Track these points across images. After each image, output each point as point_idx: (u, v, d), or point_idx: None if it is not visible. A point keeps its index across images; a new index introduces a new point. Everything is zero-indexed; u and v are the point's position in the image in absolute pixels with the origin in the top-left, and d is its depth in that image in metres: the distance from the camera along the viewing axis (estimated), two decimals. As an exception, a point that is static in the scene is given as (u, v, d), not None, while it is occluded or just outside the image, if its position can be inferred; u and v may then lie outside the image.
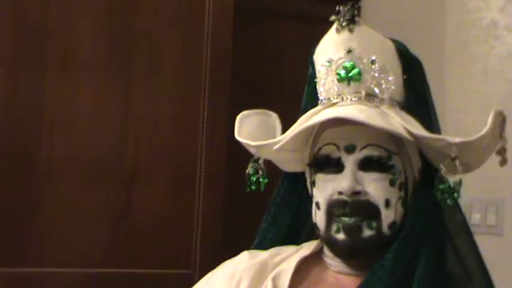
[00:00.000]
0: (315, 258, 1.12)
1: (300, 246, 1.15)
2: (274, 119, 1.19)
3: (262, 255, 1.14)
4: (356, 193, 1.02)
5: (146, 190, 2.02)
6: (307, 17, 2.29)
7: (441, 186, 1.01)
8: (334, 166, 1.05)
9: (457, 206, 1.09)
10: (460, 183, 1.00)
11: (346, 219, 1.03)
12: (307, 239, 1.16)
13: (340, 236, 1.03)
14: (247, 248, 1.18)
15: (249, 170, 1.15)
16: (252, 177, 1.14)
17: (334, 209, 1.04)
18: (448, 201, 1.01)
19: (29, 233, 1.91)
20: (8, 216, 1.90)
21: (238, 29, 2.12)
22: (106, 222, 1.98)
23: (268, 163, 1.16)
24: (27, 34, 1.95)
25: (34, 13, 1.95)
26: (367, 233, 1.02)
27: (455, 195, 1.00)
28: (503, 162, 1.02)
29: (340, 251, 1.05)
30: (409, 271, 1.01)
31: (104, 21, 2.01)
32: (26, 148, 1.92)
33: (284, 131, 1.12)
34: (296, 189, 1.17)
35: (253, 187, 1.14)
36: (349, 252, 1.05)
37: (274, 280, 1.08)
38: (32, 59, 1.94)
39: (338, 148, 1.04)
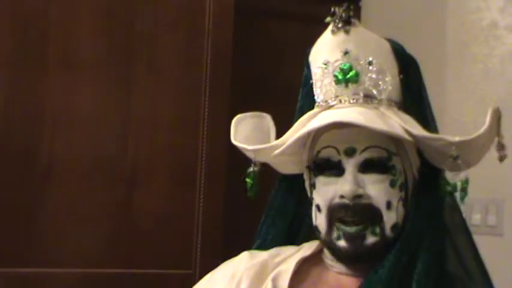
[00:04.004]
0: (315, 258, 1.12)
1: (300, 247, 1.15)
2: (268, 121, 1.18)
3: (262, 255, 1.13)
4: (357, 196, 1.01)
5: (146, 190, 2.02)
6: (307, 17, 2.28)
7: (449, 188, 1.01)
8: (335, 169, 1.04)
9: (456, 206, 1.08)
10: (467, 181, 1.01)
11: (347, 228, 1.02)
12: (306, 240, 1.15)
13: (342, 243, 1.03)
14: (247, 248, 1.17)
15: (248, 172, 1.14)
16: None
17: (335, 212, 1.03)
18: (459, 201, 1.01)
19: (29, 233, 1.91)
20: (8, 217, 1.90)
21: (238, 29, 2.12)
22: (106, 222, 1.98)
23: (266, 165, 1.15)
24: (27, 34, 1.95)
25: (34, 13, 1.95)
26: (371, 239, 1.02)
27: (464, 194, 1.00)
28: (502, 158, 1.01)
29: (342, 257, 1.05)
30: (410, 269, 1.01)
31: (104, 22, 2.01)
32: (26, 148, 1.93)
33: (281, 131, 1.12)
34: (294, 191, 1.16)
35: (249, 194, 1.13)
36: (351, 259, 1.05)
37: (274, 281, 1.08)
38: (32, 59, 1.94)
39: (338, 151, 1.03)
